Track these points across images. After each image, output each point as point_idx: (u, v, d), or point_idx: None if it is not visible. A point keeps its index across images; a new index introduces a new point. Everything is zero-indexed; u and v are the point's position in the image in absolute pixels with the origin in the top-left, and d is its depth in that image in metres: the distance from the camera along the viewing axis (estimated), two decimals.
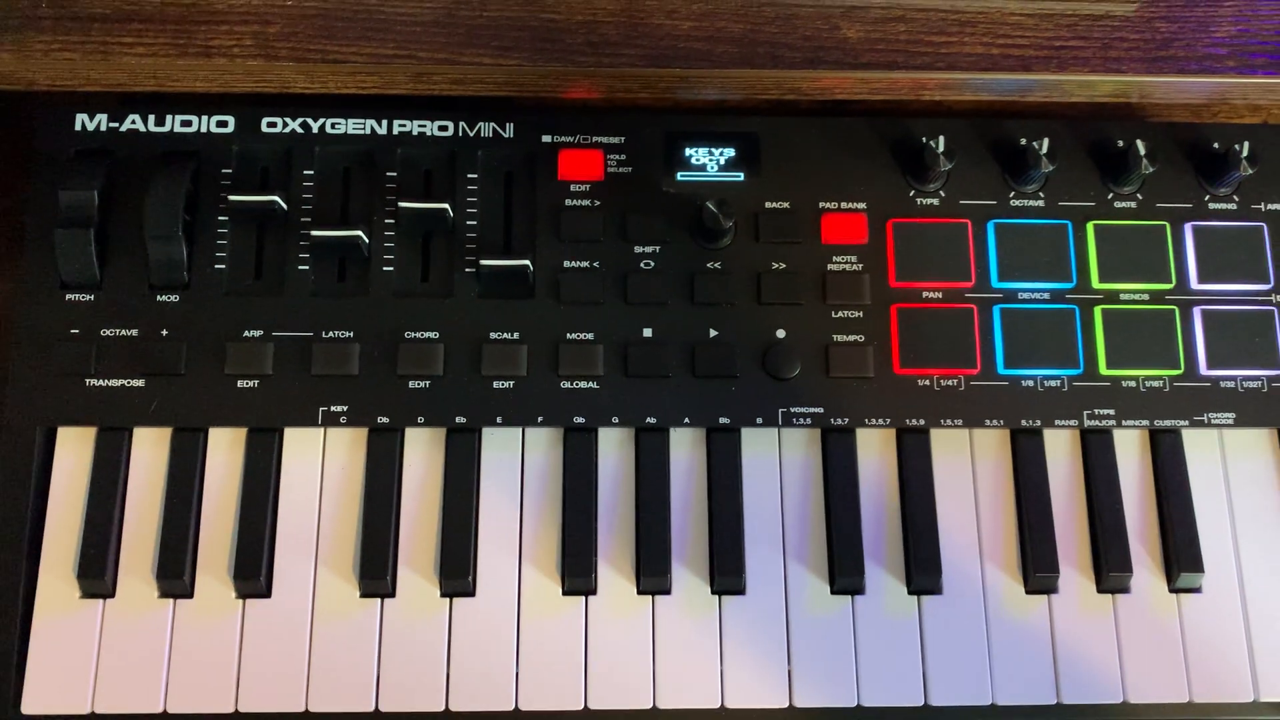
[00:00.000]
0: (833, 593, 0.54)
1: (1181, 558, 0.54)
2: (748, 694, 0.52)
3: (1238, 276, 0.58)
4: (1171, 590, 0.55)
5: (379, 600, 0.53)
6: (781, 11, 0.51)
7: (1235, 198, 0.58)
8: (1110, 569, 0.54)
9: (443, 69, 0.51)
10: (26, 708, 0.51)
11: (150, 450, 0.54)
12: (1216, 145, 0.58)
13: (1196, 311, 0.57)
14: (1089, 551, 0.55)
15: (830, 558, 0.54)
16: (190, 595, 0.53)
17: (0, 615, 0.52)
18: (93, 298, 0.55)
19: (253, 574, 0.52)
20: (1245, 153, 0.57)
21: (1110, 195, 0.58)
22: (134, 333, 0.54)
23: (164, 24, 0.50)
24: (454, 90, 0.52)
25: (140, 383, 0.54)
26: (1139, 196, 0.58)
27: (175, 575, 0.52)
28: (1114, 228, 0.58)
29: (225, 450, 0.54)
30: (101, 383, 0.54)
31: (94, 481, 0.53)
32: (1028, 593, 0.54)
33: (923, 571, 0.53)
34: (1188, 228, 0.58)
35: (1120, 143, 0.58)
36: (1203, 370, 0.57)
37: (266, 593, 0.53)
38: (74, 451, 0.54)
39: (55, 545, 0.53)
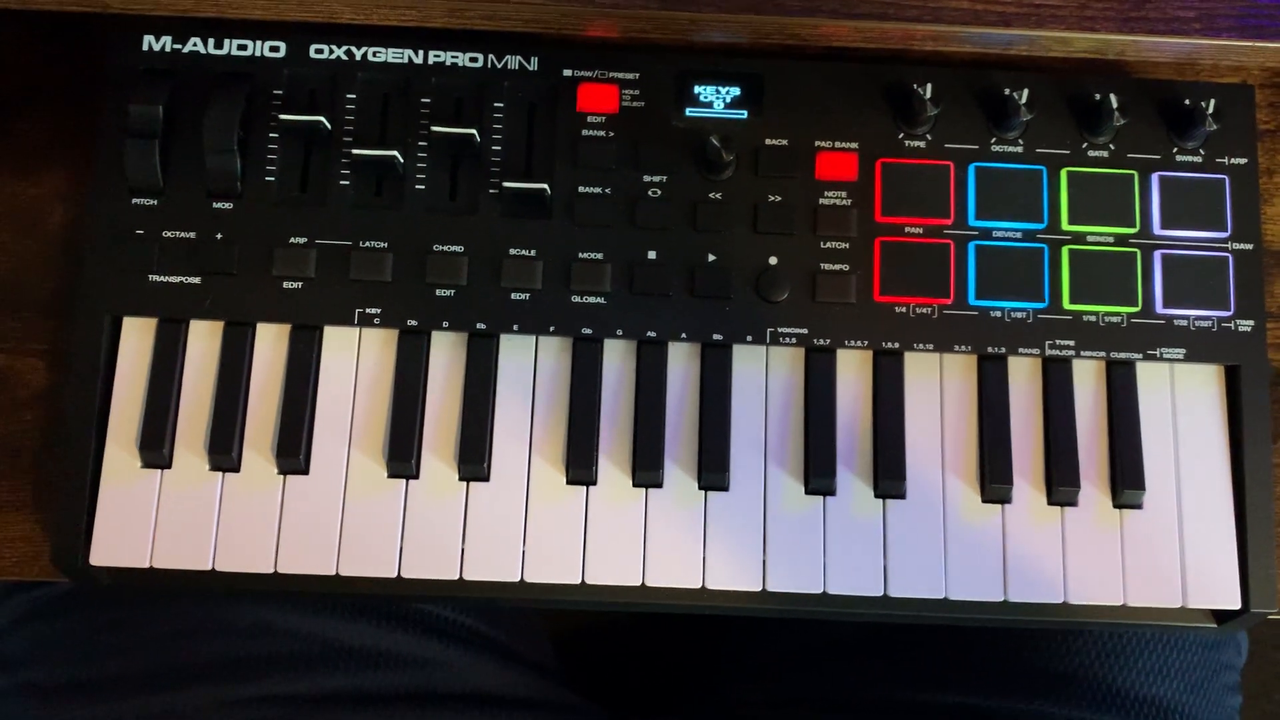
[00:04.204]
0: (806, 493, 0.60)
1: (1126, 475, 0.60)
2: (726, 577, 0.58)
3: (1198, 224, 0.62)
4: (1115, 505, 0.60)
5: (404, 481, 0.59)
6: None
7: (1201, 151, 0.63)
8: (1059, 484, 0.60)
9: (475, 5, 0.56)
10: (94, 560, 0.58)
11: (204, 341, 0.60)
12: (1187, 102, 0.63)
13: (1157, 255, 0.62)
14: (1042, 468, 0.61)
15: (806, 462, 0.60)
16: (237, 469, 0.59)
17: (72, 480, 0.59)
18: (156, 203, 0.61)
19: (293, 453, 0.59)
20: (1211, 109, 0.61)
21: (1085, 145, 0.63)
22: (192, 235, 0.60)
23: None
24: (485, 25, 0.57)
25: (196, 280, 0.60)
26: (1111, 147, 0.63)
27: (225, 451, 0.59)
28: (1086, 175, 0.62)
29: (271, 343, 0.60)
30: (162, 279, 0.60)
31: (154, 366, 0.60)
32: (984, 501, 0.60)
33: (888, 477, 0.59)
34: (1154, 177, 0.63)
35: (1097, 96, 0.62)
36: (1159, 309, 0.62)
37: (305, 470, 0.59)
38: (137, 339, 0.60)
39: (120, 421, 0.59)
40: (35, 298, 0.63)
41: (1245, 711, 0.77)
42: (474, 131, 0.60)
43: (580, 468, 0.59)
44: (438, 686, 0.69)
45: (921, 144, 0.62)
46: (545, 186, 0.60)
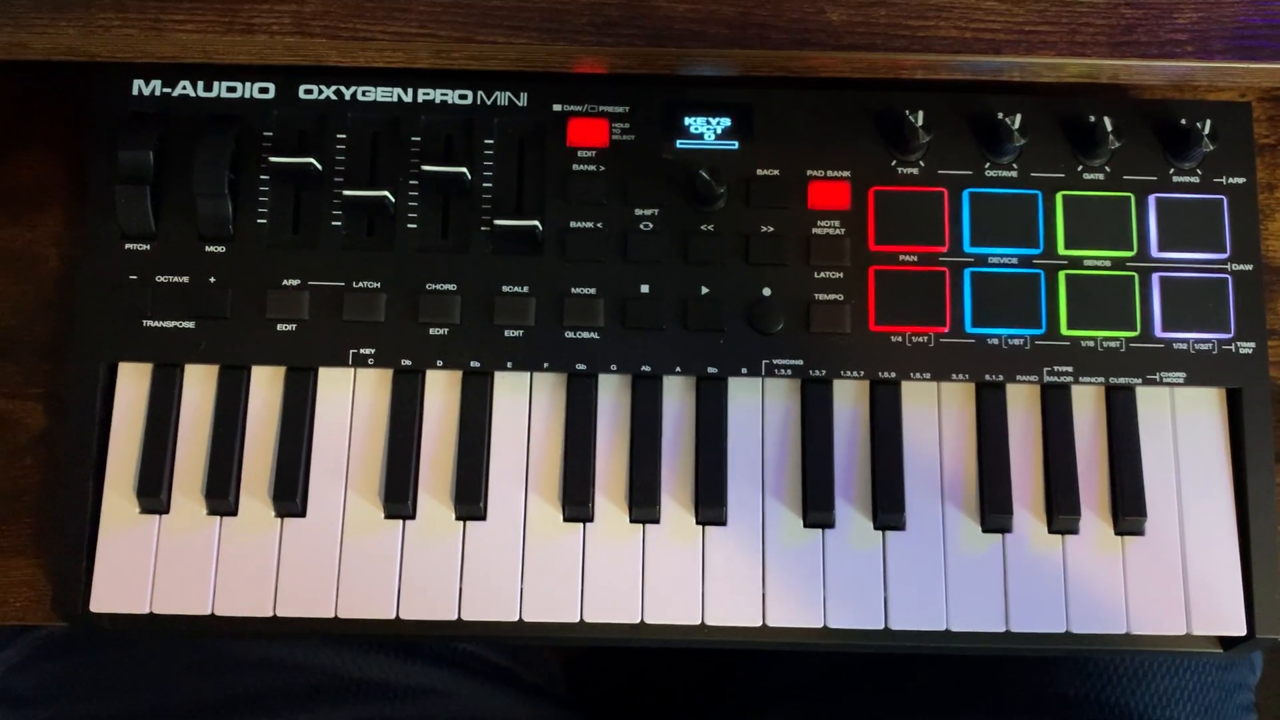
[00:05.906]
0: (805, 526, 0.59)
1: (1127, 503, 0.59)
2: (726, 613, 0.58)
3: (1196, 246, 0.62)
4: (1117, 533, 0.60)
5: (401, 521, 0.59)
6: None
7: (1198, 171, 0.62)
8: (1060, 512, 0.59)
9: (461, 46, 0.55)
10: (94, 606, 0.58)
11: (200, 385, 0.60)
12: (1183, 121, 0.62)
13: (1155, 278, 0.61)
14: (1042, 496, 0.60)
15: (804, 495, 0.59)
16: (235, 513, 0.59)
17: (71, 527, 0.59)
18: (149, 247, 0.61)
19: (290, 495, 0.59)
20: (1207, 130, 0.61)
21: (1080, 168, 0.62)
22: (185, 279, 0.60)
23: (211, 3, 0.55)
24: (471, 65, 0.57)
25: (191, 325, 0.60)
26: (1107, 169, 0.62)
27: (222, 495, 0.59)
28: (1082, 198, 0.62)
29: (266, 386, 0.60)
30: (157, 324, 0.60)
31: (150, 412, 0.60)
32: (984, 531, 0.60)
33: (887, 509, 0.59)
34: (1151, 199, 0.62)
35: (1091, 118, 0.62)
36: (1158, 333, 0.61)
37: (302, 513, 0.59)
38: (132, 385, 0.60)
39: (117, 467, 0.59)
40: (33, 341, 0.63)
41: None
42: (464, 170, 0.60)
43: (577, 505, 0.59)
44: (446, 716, 0.69)
45: (914, 171, 0.62)
46: (537, 223, 0.60)
